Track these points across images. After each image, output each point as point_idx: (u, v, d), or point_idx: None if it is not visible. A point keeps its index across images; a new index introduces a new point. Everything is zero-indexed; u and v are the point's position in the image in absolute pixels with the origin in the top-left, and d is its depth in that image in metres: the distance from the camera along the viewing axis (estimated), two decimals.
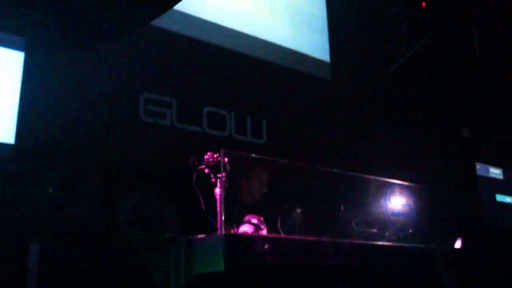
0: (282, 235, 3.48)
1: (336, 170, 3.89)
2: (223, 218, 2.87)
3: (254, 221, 3.33)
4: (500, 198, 6.78)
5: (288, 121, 6.06)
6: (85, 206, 4.12)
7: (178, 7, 5.18)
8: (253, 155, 3.73)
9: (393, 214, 3.86)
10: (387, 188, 3.89)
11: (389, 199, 3.86)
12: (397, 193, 3.93)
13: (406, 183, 4.04)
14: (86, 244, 3.08)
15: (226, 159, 3.08)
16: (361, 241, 3.57)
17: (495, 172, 6.79)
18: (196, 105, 5.43)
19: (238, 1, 6.20)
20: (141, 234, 4.00)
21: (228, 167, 3.10)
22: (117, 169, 4.56)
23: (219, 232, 2.83)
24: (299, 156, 5.32)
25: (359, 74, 7.02)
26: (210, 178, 3.17)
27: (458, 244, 4.31)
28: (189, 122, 5.32)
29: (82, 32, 4.50)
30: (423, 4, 6.89)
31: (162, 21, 5.22)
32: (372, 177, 3.96)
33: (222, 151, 3.06)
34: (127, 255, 3.13)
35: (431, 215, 4.21)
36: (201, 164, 3.22)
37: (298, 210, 3.78)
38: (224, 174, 3.09)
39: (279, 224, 3.56)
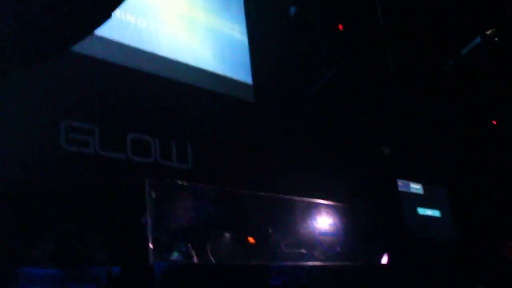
0: (213, 261, 3.46)
1: (262, 193, 3.91)
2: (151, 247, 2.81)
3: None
4: (421, 211, 7.06)
5: (213, 145, 6.04)
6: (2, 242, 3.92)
7: (97, 31, 5.07)
8: (179, 181, 3.68)
9: (321, 234, 3.92)
10: (313, 209, 3.95)
11: (315, 219, 3.92)
12: (323, 213, 4.01)
13: (331, 203, 4.12)
14: None
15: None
16: (291, 263, 3.60)
17: (416, 187, 7.05)
18: (119, 132, 5.31)
19: (158, 26, 6.17)
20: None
21: (154, 195, 3.05)
22: (37, 201, 4.37)
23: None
24: (225, 181, 5.30)
25: (281, 95, 7.13)
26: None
27: (384, 260, 4.43)
28: (113, 149, 5.19)
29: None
30: (340, 27, 7.10)
31: (81, 47, 5.10)
32: (298, 198, 4.00)
33: (146, 180, 3.00)
34: None
35: (357, 233, 4.30)
36: None
37: (227, 235, 3.77)
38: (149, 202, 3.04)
39: (209, 251, 3.53)
